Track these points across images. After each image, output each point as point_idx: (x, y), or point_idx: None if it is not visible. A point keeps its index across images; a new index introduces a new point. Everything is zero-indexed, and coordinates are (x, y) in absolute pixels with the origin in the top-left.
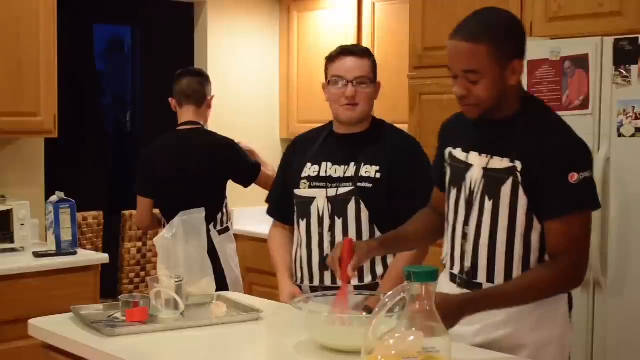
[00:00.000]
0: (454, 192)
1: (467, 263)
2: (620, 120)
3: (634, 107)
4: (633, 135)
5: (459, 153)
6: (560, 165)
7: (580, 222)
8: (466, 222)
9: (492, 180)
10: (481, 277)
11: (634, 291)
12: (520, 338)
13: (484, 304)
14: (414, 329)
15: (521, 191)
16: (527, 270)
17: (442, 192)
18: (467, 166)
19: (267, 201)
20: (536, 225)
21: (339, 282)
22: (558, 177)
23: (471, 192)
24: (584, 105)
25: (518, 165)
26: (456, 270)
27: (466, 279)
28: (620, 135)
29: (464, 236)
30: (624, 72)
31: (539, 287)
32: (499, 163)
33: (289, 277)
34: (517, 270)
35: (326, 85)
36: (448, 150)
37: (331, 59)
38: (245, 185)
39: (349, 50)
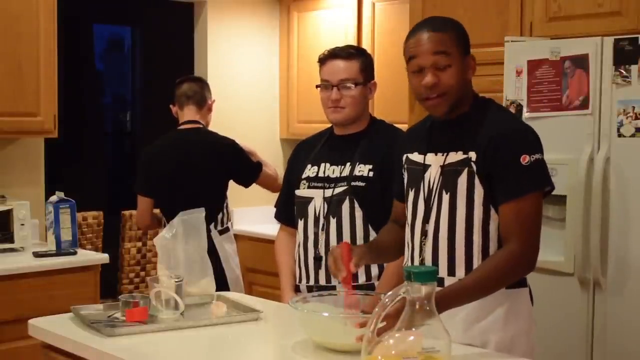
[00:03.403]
0: (411, 194)
1: (428, 259)
2: (620, 120)
3: (634, 107)
4: (633, 135)
5: (416, 156)
6: (511, 149)
7: (532, 203)
8: (426, 220)
9: (449, 173)
10: (442, 271)
11: (634, 291)
12: (487, 335)
13: (449, 301)
14: (414, 329)
15: (477, 181)
16: (485, 260)
17: (402, 203)
18: (425, 167)
19: (275, 206)
20: (494, 216)
21: (334, 282)
22: (511, 161)
23: (430, 190)
24: (584, 105)
25: (472, 155)
26: None
27: None
28: (620, 135)
29: (424, 233)
30: (624, 72)
31: (498, 274)
32: (454, 157)
33: (290, 285)
34: (477, 262)
35: (319, 89)
36: (405, 156)
37: (320, 62)
38: (247, 184)
39: (335, 53)
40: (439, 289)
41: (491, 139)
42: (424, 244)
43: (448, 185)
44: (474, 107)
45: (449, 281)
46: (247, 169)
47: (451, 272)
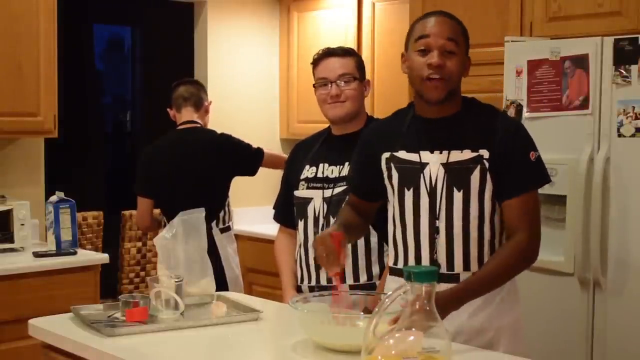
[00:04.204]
0: (409, 193)
1: (441, 256)
2: (620, 120)
3: (634, 107)
4: (633, 135)
5: (404, 154)
6: (521, 146)
7: (535, 197)
8: (434, 217)
9: (458, 171)
10: (458, 267)
11: (634, 291)
12: (499, 320)
13: (466, 295)
14: (414, 329)
15: (488, 177)
16: (494, 253)
17: (367, 201)
18: (422, 165)
19: (274, 207)
20: (498, 210)
21: (334, 282)
22: (521, 157)
23: (433, 188)
24: (584, 105)
25: (484, 153)
26: None
27: (441, 272)
28: (620, 135)
29: (435, 230)
30: (624, 72)
31: (509, 266)
32: (461, 155)
33: (292, 284)
34: (487, 255)
35: (315, 89)
36: (387, 154)
37: (315, 62)
38: (253, 172)
39: (331, 51)
40: (444, 287)
41: (500, 137)
42: (437, 240)
43: (459, 182)
44: (464, 106)
45: (464, 276)
46: (249, 156)
47: (466, 267)
